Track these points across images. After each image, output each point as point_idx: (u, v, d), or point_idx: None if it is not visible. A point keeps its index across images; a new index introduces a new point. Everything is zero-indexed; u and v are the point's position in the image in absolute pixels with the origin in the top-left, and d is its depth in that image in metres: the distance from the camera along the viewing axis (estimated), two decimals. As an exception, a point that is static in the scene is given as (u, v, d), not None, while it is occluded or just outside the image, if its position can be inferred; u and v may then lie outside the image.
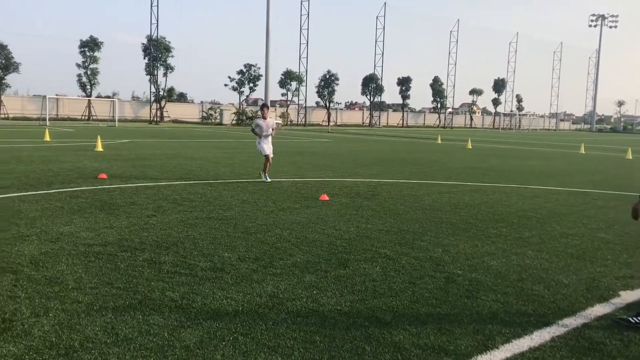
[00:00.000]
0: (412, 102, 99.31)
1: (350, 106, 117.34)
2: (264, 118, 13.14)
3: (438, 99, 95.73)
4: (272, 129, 13.28)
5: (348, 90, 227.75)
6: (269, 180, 12.86)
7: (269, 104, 12.85)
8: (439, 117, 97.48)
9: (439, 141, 38.83)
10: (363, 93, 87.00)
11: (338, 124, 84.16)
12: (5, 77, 59.67)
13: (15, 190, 10.49)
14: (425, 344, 4.12)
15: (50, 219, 7.99)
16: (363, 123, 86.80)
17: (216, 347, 3.92)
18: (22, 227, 7.37)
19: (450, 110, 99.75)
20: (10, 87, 61.71)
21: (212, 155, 20.32)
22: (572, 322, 4.70)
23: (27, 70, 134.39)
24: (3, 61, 58.92)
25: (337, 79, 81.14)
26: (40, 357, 3.66)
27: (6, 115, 58.54)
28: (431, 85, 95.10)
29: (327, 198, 10.59)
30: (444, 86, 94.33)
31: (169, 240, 6.97)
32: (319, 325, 4.40)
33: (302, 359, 3.80)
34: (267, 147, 13.12)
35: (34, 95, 64.89)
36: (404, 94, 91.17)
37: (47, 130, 29.79)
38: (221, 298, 4.92)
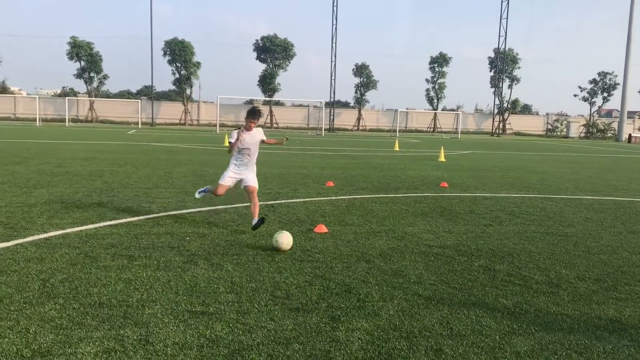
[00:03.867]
0: None
1: None
2: (248, 130, 7.58)
3: None
4: (266, 142, 7.88)
5: None
6: (198, 194, 8.41)
7: (262, 111, 7.80)
8: None
9: None
10: None
11: None
12: (365, 94, 67.92)
13: (369, 192, 11.94)
14: None
15: (397, 219, 8.90)
16: None
17: (547, 359, 3.87)
18: (374, 224, 8.40)
19: None
20: (368, 102, 70.04)
21: (554, 170, 19.40)
22: None
23: (383, 87, 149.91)
24: (364, 79, 67.21)
25: None
26: (386, 335, 4.20)
27: (364, 127, 66.55)
28: None
29: (692, 223, 9.12)
30: None
31: (504, 250, 7.05)
32: (669, 361, 3.92)
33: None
34: (236, 174, 7.76)
35: (387, 109, 72.06)
36: None
37: (396, 141, 32.77)
38: (555, 313, 4.79)
